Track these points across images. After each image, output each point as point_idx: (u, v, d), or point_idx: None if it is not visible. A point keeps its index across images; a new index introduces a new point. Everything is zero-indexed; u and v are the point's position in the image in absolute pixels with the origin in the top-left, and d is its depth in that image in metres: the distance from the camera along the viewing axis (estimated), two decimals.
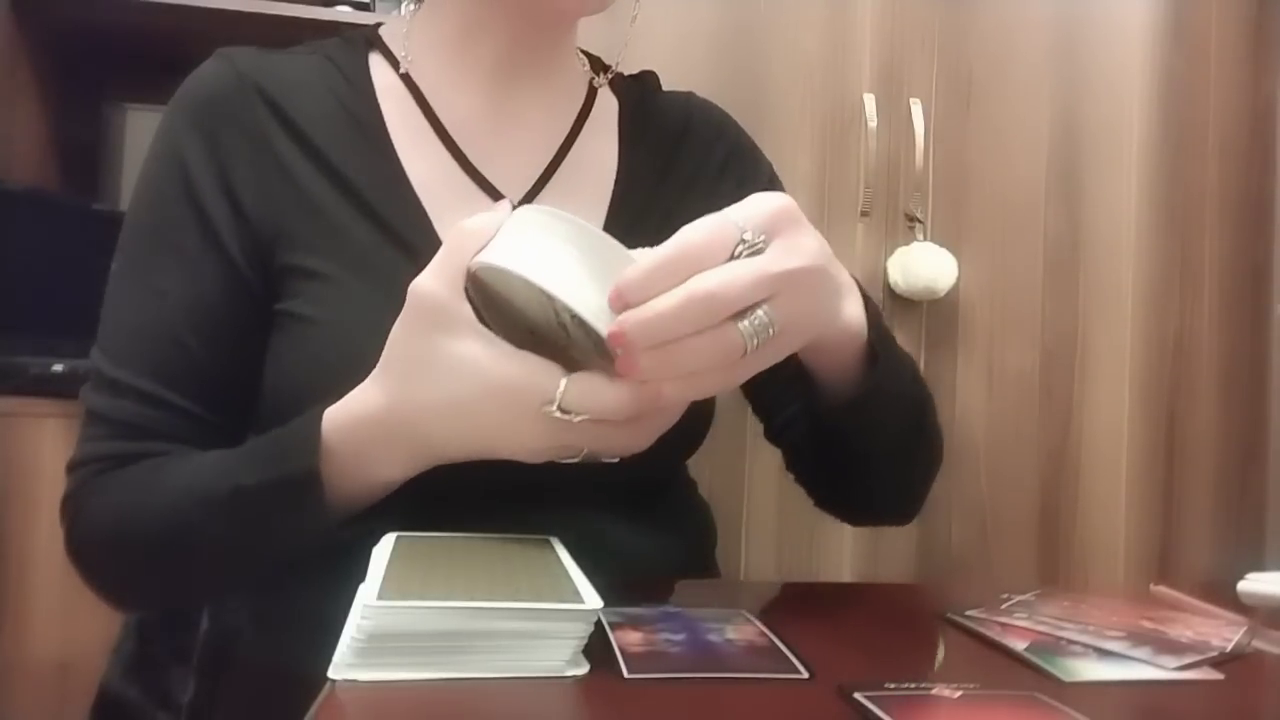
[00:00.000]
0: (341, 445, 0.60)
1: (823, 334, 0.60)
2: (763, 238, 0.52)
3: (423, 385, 0.57)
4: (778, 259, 0.52)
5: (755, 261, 0.52)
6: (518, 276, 0.54)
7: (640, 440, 0.58)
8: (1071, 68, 1.45)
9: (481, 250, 0.56)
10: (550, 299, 0.53)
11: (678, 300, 0.50)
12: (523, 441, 0.57)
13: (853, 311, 0.63)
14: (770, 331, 0.52)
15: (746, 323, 0.52)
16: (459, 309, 0.56)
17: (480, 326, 0.57)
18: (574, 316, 0.53)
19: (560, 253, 0.53)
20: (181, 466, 0.67)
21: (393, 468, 0.61)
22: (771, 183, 0.87)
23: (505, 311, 0.59)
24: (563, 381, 0.55)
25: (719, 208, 0.66)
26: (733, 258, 0.52)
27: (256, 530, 0.62)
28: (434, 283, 0.56)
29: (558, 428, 0.55)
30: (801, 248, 0.53)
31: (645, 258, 0.52)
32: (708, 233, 0.52)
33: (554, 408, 0.55)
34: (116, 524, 0.67)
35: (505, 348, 0.56)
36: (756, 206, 0.53)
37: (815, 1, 1.39)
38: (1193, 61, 1.48)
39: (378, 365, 0.60)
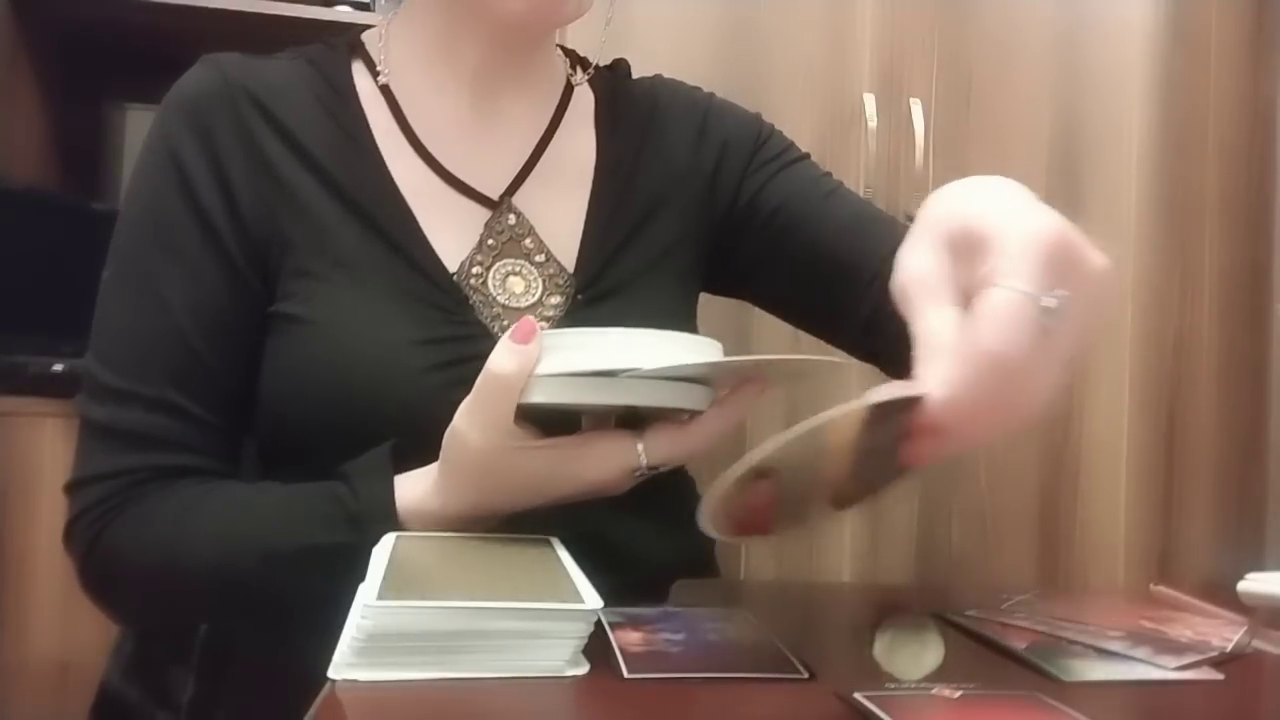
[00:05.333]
0: (416, 519, 0.62)
1: None
2: (1061, 293, 0.44)
3: (504, 497, 0.62)
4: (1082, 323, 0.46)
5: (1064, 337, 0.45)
6: (577, 406, 0.58)
7: (710, 447, 0.62)
8: (1071, 68, 1.45)
9: (532, 388, 0.57)
10: (614, 406, 0.59)
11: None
12: (609, 493, 0.63)
13: None
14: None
15: None
16: (513, 447, 0.59)
17: (542, 443, 0.60)
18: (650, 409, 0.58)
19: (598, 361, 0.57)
20: (226, 508, 0.66)
21: (470, 531, 0.64)
22: (760, 131, 0.86)
23: (556, 410, 0.61)
24: (639, 447, 0.60)
25: (702, 178, 0.74)
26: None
27: (322, 585, 0.61)
28: (481, 434, 0.59)
29: (640, 473, 0.61)
30: (1092, 282, 0.46)
31: (955, 372, 0.44)
32: (1009, 327, 0.43)
33: (641, 470, 0.60)
34: (158, 565, 0.65)
35: (573, 446, 0.61)
36: (1030, 258, 0.44)
37: (815, 1, 1.39)
38: (1193, 61, 1.48)
39: (443, 473, 0.62)
